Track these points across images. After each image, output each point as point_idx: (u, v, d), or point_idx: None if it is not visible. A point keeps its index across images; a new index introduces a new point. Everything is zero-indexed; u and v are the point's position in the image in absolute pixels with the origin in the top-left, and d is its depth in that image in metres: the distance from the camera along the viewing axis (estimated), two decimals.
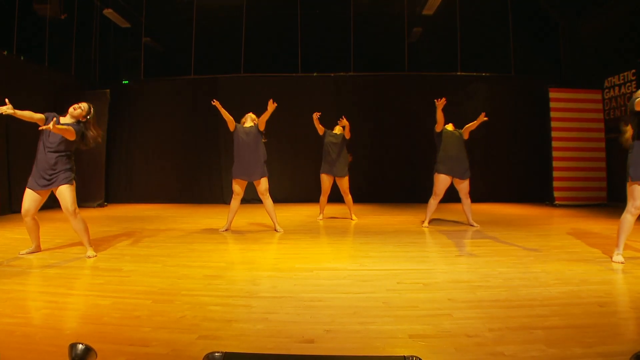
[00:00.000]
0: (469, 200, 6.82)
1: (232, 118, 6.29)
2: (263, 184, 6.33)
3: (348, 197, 7.75)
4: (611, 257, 4.33)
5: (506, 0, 11.53)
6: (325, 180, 7.64)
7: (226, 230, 6.55)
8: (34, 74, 9.52)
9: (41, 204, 4.68)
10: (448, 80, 11.43)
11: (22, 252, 4.74)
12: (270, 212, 6.45)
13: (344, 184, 7.59)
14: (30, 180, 4.60)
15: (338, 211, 8.73)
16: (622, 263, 4.17)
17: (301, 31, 11.61)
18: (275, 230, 6.44)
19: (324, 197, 7.84)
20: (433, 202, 6.82)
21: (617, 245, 4.33)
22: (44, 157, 4.54)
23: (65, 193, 4.57)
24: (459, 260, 4.46)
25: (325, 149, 7.58)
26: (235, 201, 6.49)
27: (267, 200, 6.39)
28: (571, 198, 10.16)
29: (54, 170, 4.56)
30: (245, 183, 6.47)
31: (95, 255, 4.65)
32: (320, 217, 7.97)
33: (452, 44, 11.60)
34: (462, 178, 6.67)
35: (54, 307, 2.97)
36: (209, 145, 11.33)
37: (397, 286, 3.45)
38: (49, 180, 4.56)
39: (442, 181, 6.69)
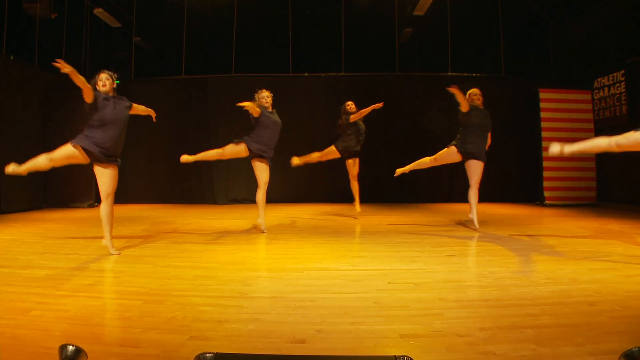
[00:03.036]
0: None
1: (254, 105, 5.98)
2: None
3: (355, 184, 7.82)
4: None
5: (497, 1, 11.58)
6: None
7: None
8: (24, 74, 9.41)
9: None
10: (439, 80, 11.42)
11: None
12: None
13: (355, 166, 7.73)
14: None
15: (334, 209, 8.73)
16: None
17: (292, 31, 11.58)
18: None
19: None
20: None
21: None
22: None
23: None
24: (450, 260, 4.48)
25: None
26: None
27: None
28: (561, 198, 10.22)
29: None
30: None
31: (117, 252, 4.66)
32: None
33: (443, 44, 11.62)
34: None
35: (44, 308, 2.95)
36: (200, 146, 11.21)
37: (388, 286, 3.46)
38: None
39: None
